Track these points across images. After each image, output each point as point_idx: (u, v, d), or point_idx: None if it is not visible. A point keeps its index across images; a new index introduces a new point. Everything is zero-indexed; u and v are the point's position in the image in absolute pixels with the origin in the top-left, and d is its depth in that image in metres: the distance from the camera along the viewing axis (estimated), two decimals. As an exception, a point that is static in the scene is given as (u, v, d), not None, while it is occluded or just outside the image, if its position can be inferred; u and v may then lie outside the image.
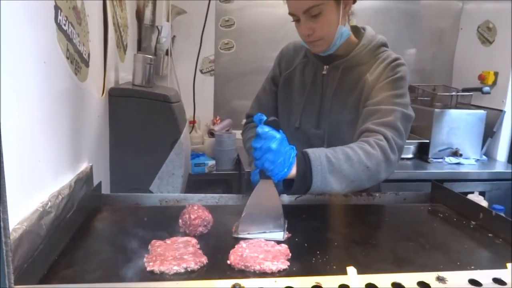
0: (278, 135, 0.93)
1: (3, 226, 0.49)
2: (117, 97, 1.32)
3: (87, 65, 1.07)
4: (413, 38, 2.78)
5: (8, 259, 0.51)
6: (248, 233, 0.94)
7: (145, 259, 0.80)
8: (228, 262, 0.80)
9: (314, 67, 1.25)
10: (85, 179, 1.01)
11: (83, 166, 1.05)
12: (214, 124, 2.59)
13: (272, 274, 0.77)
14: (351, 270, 0.63)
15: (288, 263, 0.80)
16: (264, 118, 0.93)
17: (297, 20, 1.12)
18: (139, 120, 1.35)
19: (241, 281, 0.66)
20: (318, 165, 0.96)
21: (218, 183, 2.36)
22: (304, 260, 0.84)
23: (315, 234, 0.98)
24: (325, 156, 0.98)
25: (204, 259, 0.80)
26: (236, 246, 0.86)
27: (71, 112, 0.96)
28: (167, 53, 2.06)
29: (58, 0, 0.83)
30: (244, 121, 1.45)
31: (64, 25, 0.87)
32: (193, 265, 0.78)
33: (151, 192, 1.40)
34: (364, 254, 0.88)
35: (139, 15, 1.88)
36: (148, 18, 1.85)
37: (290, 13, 1.13)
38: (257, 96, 1.40)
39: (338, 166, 0.98)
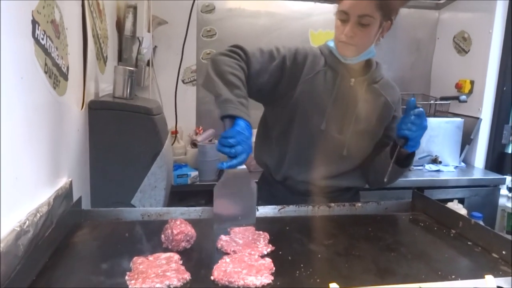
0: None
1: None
2: (97, 110, 1.30)
3: (66, 78, 1.05)
4: (392, 47, 2.83)
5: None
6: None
7: (126, 277, 0.78)
8: (212, 278, 0.79)
9: (339, 77, 1.29)
10: (65, 194, 0.99)
11: (63, 181, 1.03)
12: (196, 134, 2.58)
13: (257, 289, 0.77)
14: (333, 286, 0.63)
15: (272, 277, 0.80)
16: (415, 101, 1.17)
17: (343, 20, 1.19)
18: (120, 133, 1.33)
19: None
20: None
21: (201, 194, 2.33)
22: (287, 274, 0.84)
23: (298, 247, 0.98)
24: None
25: (187, 276, 0.79)
26: (219, 261, 0.85)
27: (50, 127, 0.94)
28: (148, 64, 2.04)
29: (36, 14, 0.82)
30: (231, 47, 1.23)
31: (42, 39, 0.86)
32: (175, 282, 0.77)
33: (133, 206, 1.38)
34: (348, 266, 0.89)
35: (120, 26, 1.87)
36: (129, 29, 1.84)
37: (341, 11, 1.18)
38: (262, 50, 1.25)
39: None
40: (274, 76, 1.25)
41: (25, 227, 0.73)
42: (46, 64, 0.89)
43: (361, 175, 1.40)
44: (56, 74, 0.97)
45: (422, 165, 2.38)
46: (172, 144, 2.38)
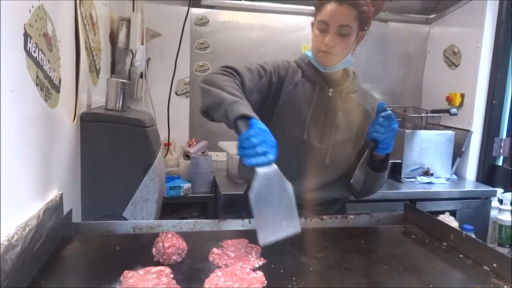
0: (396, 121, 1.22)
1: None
2: (89, 122, 1.30)
3: (57, 91, 1.05)
4: (383, 60, 2.87)
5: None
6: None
7: (116, 292, 0.77)
8: (203, 292, 0.79)
9: (317, 88, 1.32)
10: (55, 207, 0.98)
11: (53, 194, 1.02)
12: (189, 146, 2.58)
13: (248, 303, 0.76)
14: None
15: (264, 291, 0.80)
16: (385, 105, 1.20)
17: (323, 30, 1.21)
18: (112, 145, 1.32)
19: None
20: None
21: (193, 206, 2.32)
22: (279, 287, 0.83)
23: (290, 260, 0.98)
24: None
25: (178, 290, 0.79)
26: (211, 275, 0.84)
27: (40, 139, 0.93)
28: (141, 76, 2.05)
29: (28, 27, 0.82)
30: (223, 68, 1.21)
31: (34, 52, 0.86)
32: (166, 297, 0.76)
33: (124, 218, 1.37)
34: (340, 279, 0.88)
35: (113, 39, 1.88)
36: (122, 42, 1.85)
37: (321, 21, 1.20)
38: (250, 68, 1.26)
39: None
40: (263, 93, 1.27)
41: (13, 241, 0.72)
42: (37, 77, 0.89)
43: (345, 186, 1.41)
44: (48, 87, 0.97)
45: (414, 177, 2.39)
46: (165, 156, 2.37)
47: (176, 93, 2.60)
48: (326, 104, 1.33)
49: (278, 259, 0.97)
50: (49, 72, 0.97)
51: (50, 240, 0.94)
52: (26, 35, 0.82)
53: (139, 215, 1.38)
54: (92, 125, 1.31)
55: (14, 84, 0.76)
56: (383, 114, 1.20)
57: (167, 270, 0.86)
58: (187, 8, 2.44)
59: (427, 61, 2.92)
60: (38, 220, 0.85)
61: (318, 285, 0.85)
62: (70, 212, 1.11)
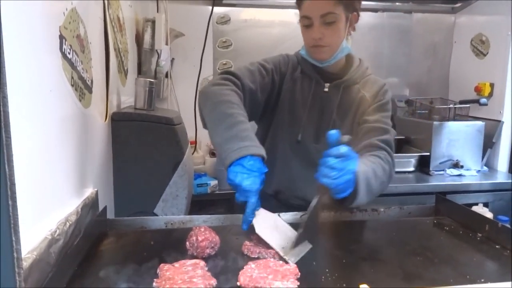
0: (356, 155, 0.95)
1: (17, 257, 0.50)
2: (120, 122, 1.33)
3: (90, 91, 1.08)
4: (408, 52, 2.82)
5: (21, 289, 0.51)
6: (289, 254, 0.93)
7: (154, 284, 0.79)
8: (238, 283, 0.80)
9: (313, 83, 1.28)
10: (91, 204, 1.01)
11: (89, 191, 1.05)
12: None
13: (283, 294, 0.77)
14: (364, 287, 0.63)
15: (298, 283, 0.80)
16: (339, 136, 0.92)
17: (308, 25, 1.17)
18: (142, 143, 1.35)
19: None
20: (362, 184, 0.99)
21: (220, 203, 2.34)
22: (313, 279, 0.84)
23: (322, 252, 0.98)
24: (365, 173, 1.01)
25: (214, 281, 0.80)
26: (244, 267, 0.85)
27: (77, 138, 0.96)
28: (166, 76, 2.08)
29: (63, 29, 0.85)
30: (221, 75, 1.17)
31: (69, 53, 0.89)
32: (202, 288, 0.77)
33: (155, 214, 1.40)
34: (373, 271, 0.88)
35: (139, 40, 1.91)
36: (148, 42, 1.88)
37: (303, 16, 1.17)
38: (250, 69, 1.22)
39: (370, 182, 1.02)
40: (266, 92, 1.25)
41: (56, 235, 0.75)
42: (72, 77, 0.92)
43: None
44: (82, 87, 1.00)
45: (443, 170, 2.34)
46: (192, 154, 2.41)
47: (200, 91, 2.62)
48: (322, 101, 1.28)
49: (310, 251, 0.97)
50: (82, 72, 1.01)
51: (88, 236, 0.97)
52: (61, 37, 0.84)
53: (170, 211, 1.40)
54: (122, 125, 1.34)
55: (52, 84, 0.79)
56: (335, 151, 0.91)
57: (202, 262, 0.88)
58: (208, 7, 2.48)
59: (454, 51, 2.85)
60: (77, 216, 0.88)
61: (351, 276, 0.84)
62: (104, 209, 1.14)
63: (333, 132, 0.92)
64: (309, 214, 0.96)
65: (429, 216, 1.28)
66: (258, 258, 0.92)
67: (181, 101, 2.52)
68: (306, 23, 1.17)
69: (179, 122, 1.43)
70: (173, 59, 2.45)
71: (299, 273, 0.84)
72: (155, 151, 1.37)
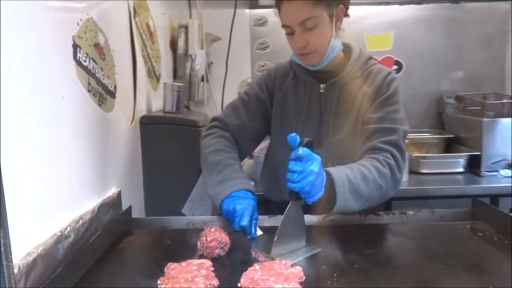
0: (318, 157, 0.93)
1: (4, 250, 0.53)
2: (148, 125, 1.39)
3: (113, 96, 1.14)
4: (458, 46, 2.64)
5: (11, 281, 0.55)
6: (279, 255, 0.93)
7: (159, 281, 0.81)
8: (239, 284, 0.79)
9: (308, 86, 1.23)
10: (112, 203, 1.06)
11: (111, 191, 1.10)
12: (255, 145, 2.61)
13: (283, 297, 0.76)
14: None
15: (300, 286, 0.78)
16: (299, 139, 0.91)
17: (290, 34, 1.11)
18: (169, 145, 1.40)
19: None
20: (341, 186, 0.98)
21: (258, 204, 2.35)
22: (317, 283, 0.81)
23: (336, 256, 0.95)
24: (346, 176, 1.00)
25: (215, 282, 0.80)
26: (249, 269, 0.85)
27: (96, 140, 1.02)
28: (202, 79, 2.13)
29: (77, 38, 0.90)
30: (209, 124, 1.28)
31: (85, 61, 0.94)
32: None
33: (183, 215, 1.43)
34: (385, 277, 0.83)
35: (174, 46, 1.98)
36: (182, 48, 1.94)
37: (283, 25, 1.12)
38: (233, 105, 1.30)
39: (357, 186, 1.00)
40: (261, 114, 1.28)
41: (66, 232, 0.80)
42: (89, 84, 0.97)
43: None
44: (102, 93, 1.05)
45: (496, 171, 2.16)
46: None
47: (239, 94, 2.65)
48: (318, 103, 1.22)
49: (324, 255, 0.94)
50: (103, 79, 1.06)
51: (108, 234, 1.02)
52: (75, 46, 0.90)
53: (197, 211, 1.43)
54: (150, 128, 1.39)
55: (64, 91, 0.84)
56: (292, 155, 0.91)
57: (208, 263, 0.89)
58: (244, 10, 2.52)
59: (511, 42, 2.62)
60: (93, 214, 0.93)
61: (358, 283, 0.81)
62: (129, 208, 1.19)
63: (293, 135, 0.91)
64: (282, 222, 0.94)
65: (464, 220, 1.19)
66: (267, 260, 0.91)
67: (223, 104, 2.59)
68: (288, 31, 1.11)
69: (205, 124, 1.45)
70: (211, 62, 2.50)
71: (304, 277, 0.82)
72: (181, 152, 1.41)
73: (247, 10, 2.58)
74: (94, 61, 1.00)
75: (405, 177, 1.95)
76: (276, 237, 0.93)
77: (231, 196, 1.08)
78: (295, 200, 0.95)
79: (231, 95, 2.62)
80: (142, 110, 1.44)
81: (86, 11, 0.96)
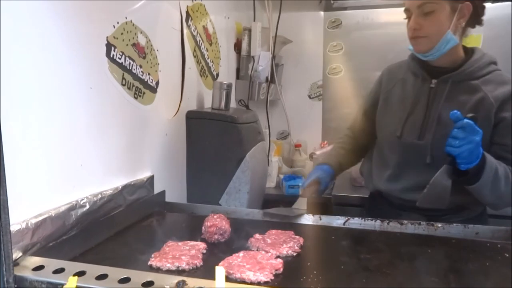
0: (480, 130, 1.03)
1: (2, 206, 0.67)
2: (192, 119, 1.50)
3: (153, 91, 1.27)
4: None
5: (6, 231, 0.68)
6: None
7: (152, 255, 0.90)
8: (216, 267, 0.84)
9: (419, 80, 1.26)
10: (140, 185, 1.19)
11: (143, 175, 1.24)
12: (321, 148, 2.61)
13: (251, 284, 0.79)
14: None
15: (272, 277, 0.80)
16: (460, 114, 1.02)
17: (408, 19, 1.20)
18: (210, 139, 1.49)
19: (188, 279, 0.71)
20: (489, 171, 1.07)
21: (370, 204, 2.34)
22: (292, 277, 0.82)
23: (327, 256, 0.94)
24: (495, 165, 1.09)
25: (198, 262, 0.86)
26: (233, 255, 0.89)
27: (129, 128, 1.16)
28: (267, 80, 2.20)
29: (112, 39, 1.05)
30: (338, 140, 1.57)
31: (119, 58, 1.08)
32: (184, 265, 0.85)
33: (220, 205, 1.52)
34: (365, 281, 0.81)
35: (239, 47, 2.09)
36: (245, 49, 2.04)
37: (405, 9, 1.20)
38: (356, 116, 1.53)
39: (500, 178, 1.09)
40: (372, 114, 1.40)
41: (81, 202, 0.94)
42: (124, 78, 1.11)
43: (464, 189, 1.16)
44: (139, 87, 1.19)
45: None
46: (293, 157, 2.51)
47: (309, 96, 2.67)
48: (427, 97, 1.24)
49: (315, 253, 0.94)
50: (141, 75, 1.20)
51: (134, 211, 1.16)
52: (109, 45, 1.04)
53: (233, 203, 1.51)
54: (194, 122, 1.51)
55: (93, 83, 0.99)
56: (457, 124, 1.03)
57: (202, 245, 0.95)
58: (318, 13, 2.55)
59: None
60: (115, 192, 1.06)
61: (333, 283, 0.79)
62: (162, 192, 1.33)
63: (455, 111, 1.02)
64: (432, 180, 1.10)
65: (504, 240, 1.06)
66: (258, 249, 0.94)
67: (292, 105, 2.65)
68: (407, 15, 1.19)
69: (245, 121, 1.52)
70: (282, 65, 2.57)
71: (282, 269, 0.84)
72: (221, 146, 1.49)
73: (321, 13, 2.58)
74: (131, 58, 1.14)
75: None
76: (425, 189, 1.10)
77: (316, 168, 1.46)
78: (449, 164, 1.08)
79: (301, 98, 2.66)
80: (191, 106, 1.57)
81: (125, 15, 1.10)
